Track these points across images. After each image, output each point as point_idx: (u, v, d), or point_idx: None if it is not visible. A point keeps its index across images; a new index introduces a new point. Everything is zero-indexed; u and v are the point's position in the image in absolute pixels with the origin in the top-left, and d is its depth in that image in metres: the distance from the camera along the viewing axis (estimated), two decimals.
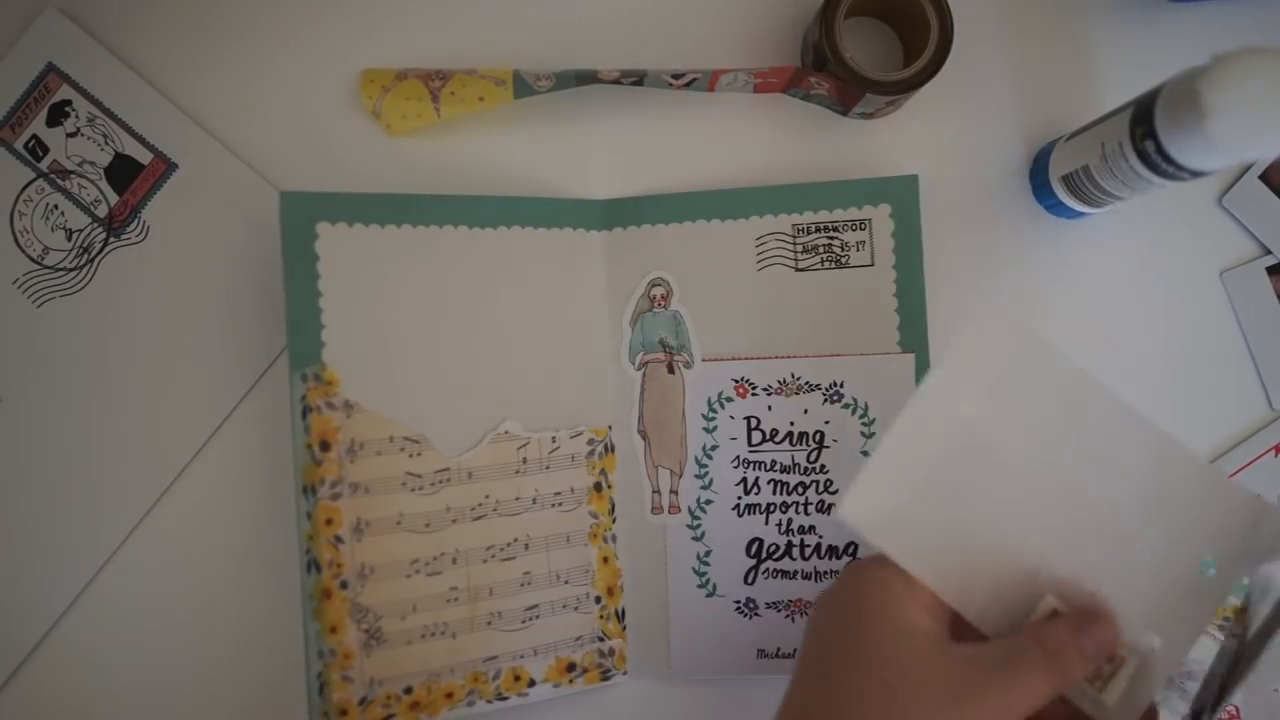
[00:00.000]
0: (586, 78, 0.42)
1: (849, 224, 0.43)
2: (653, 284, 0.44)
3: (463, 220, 0.43)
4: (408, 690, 0.41)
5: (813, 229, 0.44)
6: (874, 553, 0.32)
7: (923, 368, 0.43)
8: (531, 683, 0.43)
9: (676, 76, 0.42)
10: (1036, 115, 0.45)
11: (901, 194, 0.43)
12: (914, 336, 0.43)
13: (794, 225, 0.44)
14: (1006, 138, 0.45)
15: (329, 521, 0.40)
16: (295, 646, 0.41)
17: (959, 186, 0.45)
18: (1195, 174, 0.35)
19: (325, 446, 0.40)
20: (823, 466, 0.43)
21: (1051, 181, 0.43)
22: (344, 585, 0.40)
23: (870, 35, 0.45)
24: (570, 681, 0.43)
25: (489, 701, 0.42)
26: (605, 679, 0.44)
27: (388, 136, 0.44)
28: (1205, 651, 0.43)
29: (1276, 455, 0.44)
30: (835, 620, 0.32)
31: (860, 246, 0.43)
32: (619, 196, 0.45)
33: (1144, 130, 0.35)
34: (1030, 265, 0.45)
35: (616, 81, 0.43)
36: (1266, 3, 0.45)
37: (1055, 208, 0.44)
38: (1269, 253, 0.45)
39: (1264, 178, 0.45)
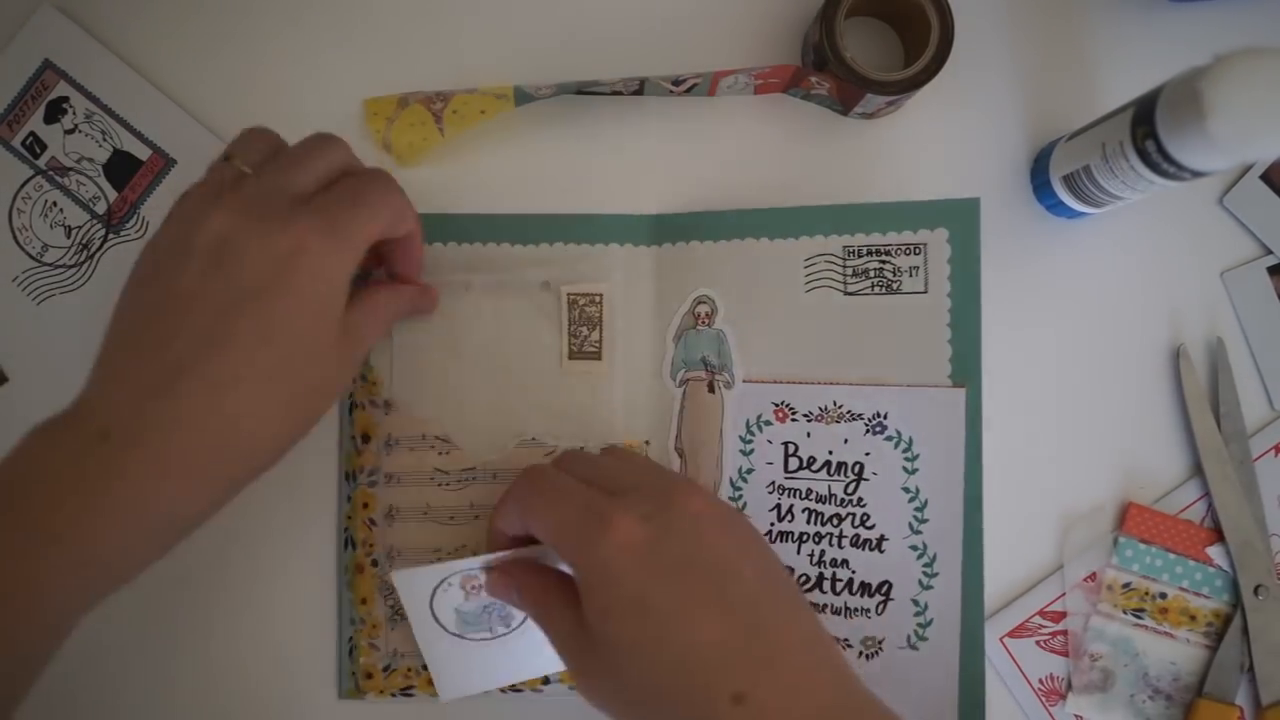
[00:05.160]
0: (586, 87, 0.42)
1: (903, 248, 0.43)
2: (698, 301, 0.43)
3: (508, 237, 0.43)
4: (426, 666, 0.43)
5: (864, 251, 0.43)
6: None
7: (974, 403, 0.42)
8: (546, 680, 0.43)
9: (677, 83, 0.42)
10: (1037, 115, 0.45)
11: (961, 218, 0.42)
12: (966, 370, 0.42)
13: (844, 247, 0.43)
14: (1007, 138, 0.45)
15: (365, 505, 0.43)
16: (330, 613, 0.44)
17: (959, 187, 0.45)
18: (1196, 174, 0.35)
19: (366, 439, 0.43)
20: (860, 499, 0.43)
21: (1052, 181, 0.43)
22: (374, 563, 0.43)
23: (870, 35, 0.45)
24: None
25: (502, 691, 0.43)
26: None
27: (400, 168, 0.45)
28: (1176, 652, 0.43)
29: (1276, 455, 0.44)
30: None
31: (914, 272, 0.43)
32: (666, 212, 0.44)
33: (1145, 130, 0.35)
34: (1030, 265, 0.45)
35: (616, 92, 0.42)
36: (1267, 3, 0.45)
37: (1056, 208, 0.44)
38: (1270, 253, 0.45)
39: (1265, 178, 0.45)
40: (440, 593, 0.39)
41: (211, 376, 0.32)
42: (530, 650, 0.41)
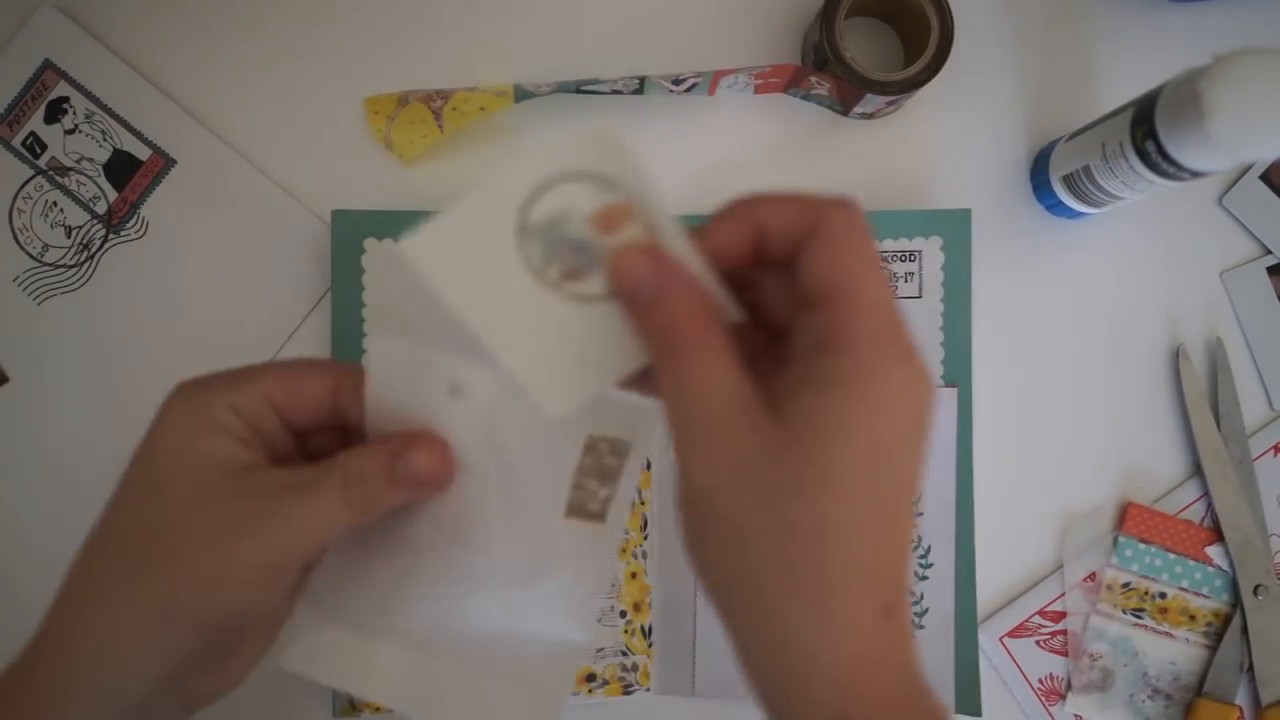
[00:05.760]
0: (586, 86, 0.42)
1: (898, 255, 0.44)
2: None
3: None
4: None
5: None
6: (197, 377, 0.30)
7: (965, 402, 0.43)
8: None
9: (677, 83, 0.42)
10: (1037, 115, 0.45)
11: (954, 227, 0.43)
12: (958, 370, 0.43)
13: None
14: (1007, 138, 0.45)
15: None
16: None
17: (959, 186, 0.45)
18: (1196, 174, 0.35)
19: None
20: None
21: (1052, 181, 0.43)
22: None
23: (870, 35, 0.45)
24: (590, 691, 0.43)
25: None
26: (627, 693, 0.43)
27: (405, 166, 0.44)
28: (1176, 652, 0.43)
29: (1276, 455, 0.44)
30: (137, 448, 0.29)
31: (909, 278, 0.43)
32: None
33: (1145, 130, 0.35)
34: (1030, 265, 0.45)
35: (616, 91, 0.42)
36: (1266, 3, 0.45)
37: (1055, 208, 0.44)
38: (1269, 253, 0.45)
39: (1264, 178, 0.45)
40: (558, 188, 0.25)
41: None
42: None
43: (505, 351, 0.26)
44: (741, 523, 0.24)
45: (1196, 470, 0.44)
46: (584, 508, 0.31)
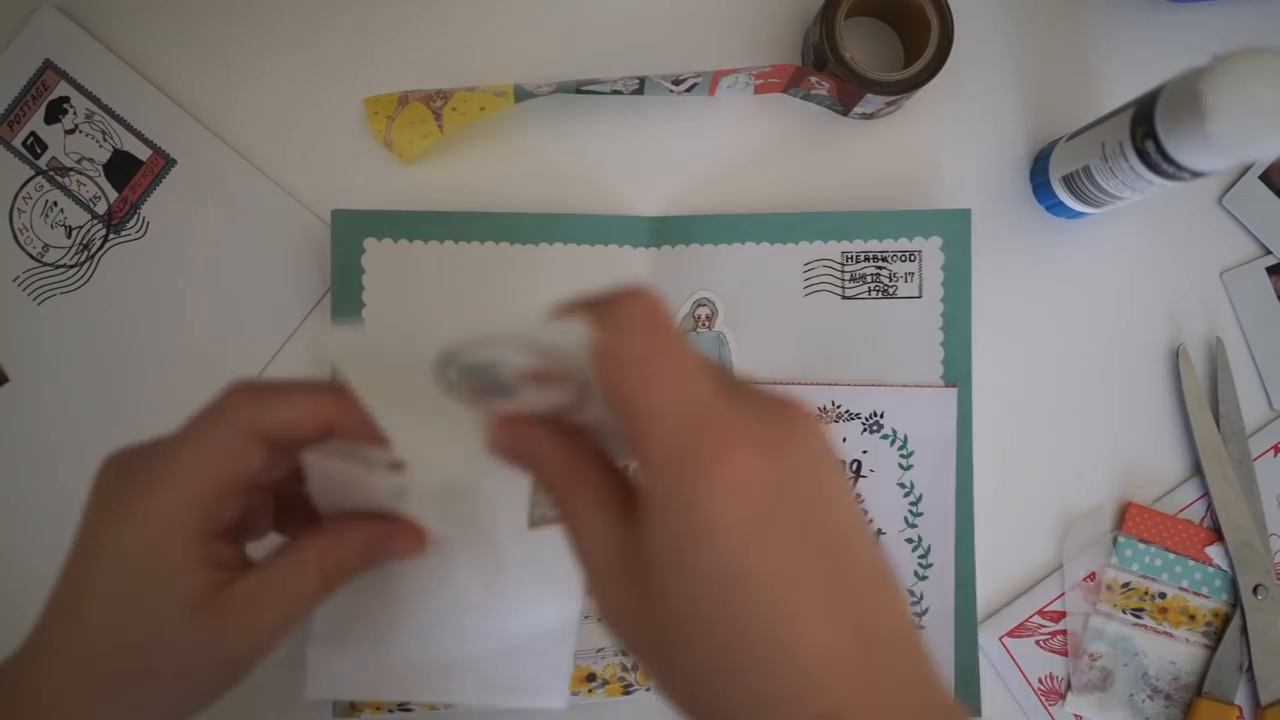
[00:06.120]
0: (586, 86, 0.42)
1: (899, 255, 0.44)
2: (698, 304, 0.44)
3: (504, 236, 0.43)
4: None
5: (862, 258, 0.44)
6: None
7: (965, 401, 0.43)
8: None
9: (677, 82, 0.42)
10: (1036, 115, 0.45)
11: (954, 227, 0.43)
12: (958, 370, 0.43)
13: (843, 253, 0.44)
14: (1007, 138, 0.45)
15: None
16: None
17: (959, 187, 0.45)
18: (1195, 174, 0.35)
19: None
20: (858, 495, 0.43)
21: (1052, 181, 0.43)
22: None
23: (870, 35, 0.45)
24: (589, 691, 0.43)
25: None
26: (627, 693, 0.43)
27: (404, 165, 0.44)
28: (1176, 652, 0.43)
29: (1276, 455, 0.44)
30: (79, 544, 0.28)
31: (909, 278, 0.44)
32: (666, 214, 0.44)
33: (1144, 130, 0.35)
34: (1030, 265, 0.45)
35: (616, 91, 0.43)
36: (1266, 3, 0.45)
37: (1055, 208, 0.44)
38: (1269, 253, 0.45)
39: (1264, 178, 0.45)
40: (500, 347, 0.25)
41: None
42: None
43: (390, 424, 0.27)
44: (643, 658, 0.25)
45: (1196, 470, 0.44)
46: (544, 516, 0.33)
